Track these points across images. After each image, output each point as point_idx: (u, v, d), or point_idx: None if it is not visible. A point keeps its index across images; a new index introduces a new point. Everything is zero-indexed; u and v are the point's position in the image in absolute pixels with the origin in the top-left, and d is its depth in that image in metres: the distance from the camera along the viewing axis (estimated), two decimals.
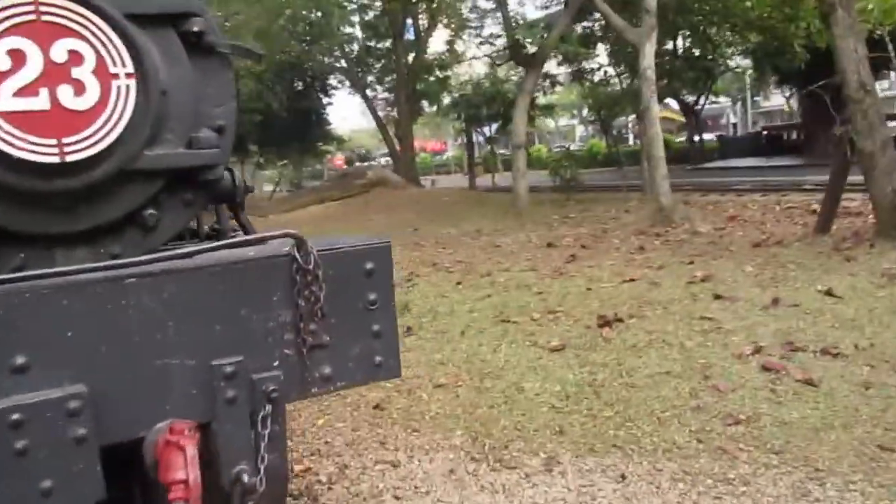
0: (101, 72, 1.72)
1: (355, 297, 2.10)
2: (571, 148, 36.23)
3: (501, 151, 33.55)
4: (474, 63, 28.84)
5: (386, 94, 30.37)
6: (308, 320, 2.01)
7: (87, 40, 1.69)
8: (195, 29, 2.00)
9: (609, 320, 5.59)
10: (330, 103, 30.46)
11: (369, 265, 2.12)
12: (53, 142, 1.68)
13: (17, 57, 1.63)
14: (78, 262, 1.94)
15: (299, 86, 27.39)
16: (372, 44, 28.57)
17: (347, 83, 30.09)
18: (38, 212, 1.85)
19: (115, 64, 1.73)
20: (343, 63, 28.57)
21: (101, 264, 1.80)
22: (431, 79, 28.02)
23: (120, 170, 1.89)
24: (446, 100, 27.00)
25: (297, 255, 1.98)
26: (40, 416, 1.70)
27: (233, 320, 1.93)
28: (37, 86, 1.66)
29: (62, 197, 1.85)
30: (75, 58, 1.69)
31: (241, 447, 1.91)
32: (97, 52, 1.71)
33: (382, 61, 29.33)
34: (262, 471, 1.93)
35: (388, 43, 27.39)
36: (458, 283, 7.78)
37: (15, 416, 1.67)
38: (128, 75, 1.75)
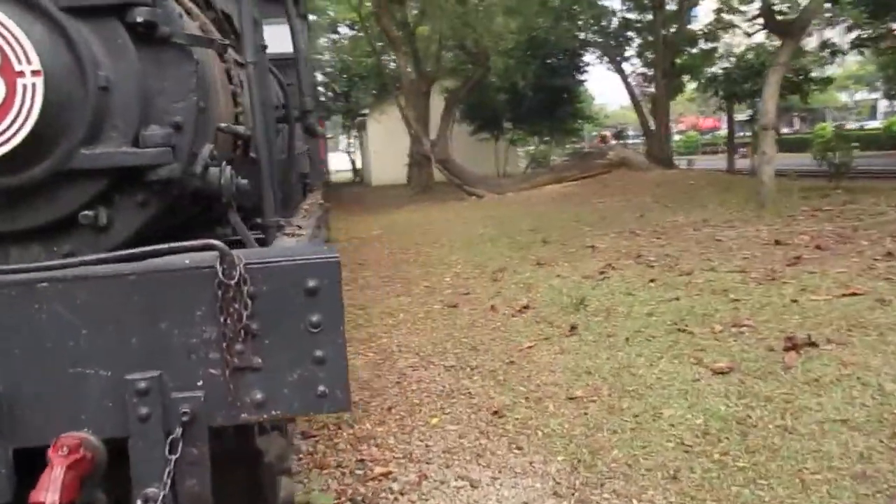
0: (7, 70, 1.66)
1: (294, 317, 1.85)
2: (851, 126, 31.35)
3: None
4: (735, 34, 26.09)
5: (644, 70, 28.84)
6: (233, 340, 1.81)
7: None
8: (140, 19, 1.87)
9: (798, 343, 4.63)
10: (583, 80, 29.76)
11: (312, 283, 1.85)
12: None
13: None
14: (32, 259, 1.94)
15: (552, 62, 27.04)
16: (631, 16, 27.22)
17: (605, 59, 29.12)
18: None
19: (20, 61, 1.66)
20: (599, 38, 27.61)
21: (11, 267, 1.76)
22: (694, 51, 26.01)
23: (56, 169, 1.84)
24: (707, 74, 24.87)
25: (218, 267, 1.78)
26: None
27: (150, 333, 1.80)
28: None
29: (2, 194, 1.85)
30: None
31: (152, 469, 1.78)
32: (2, 49, 1.65)
33: (643, 34, 27.86)
34: (169, 497, 1.78)
35: (648, 15, 25.91)
36: (652, 281, 7.04)
37: None
38: (34, 73, 1.67)
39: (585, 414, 4.16)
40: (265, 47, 3.24)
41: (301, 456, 3.84)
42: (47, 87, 1.70)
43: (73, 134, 1.83)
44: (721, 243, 8.74)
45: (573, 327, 5.85)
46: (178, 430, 1.79)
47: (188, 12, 2.66)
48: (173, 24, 1.95)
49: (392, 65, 28.68)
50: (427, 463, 3.69)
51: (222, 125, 2.34)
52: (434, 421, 4.26)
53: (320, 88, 43.94)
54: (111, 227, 1.97)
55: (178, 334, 1.82)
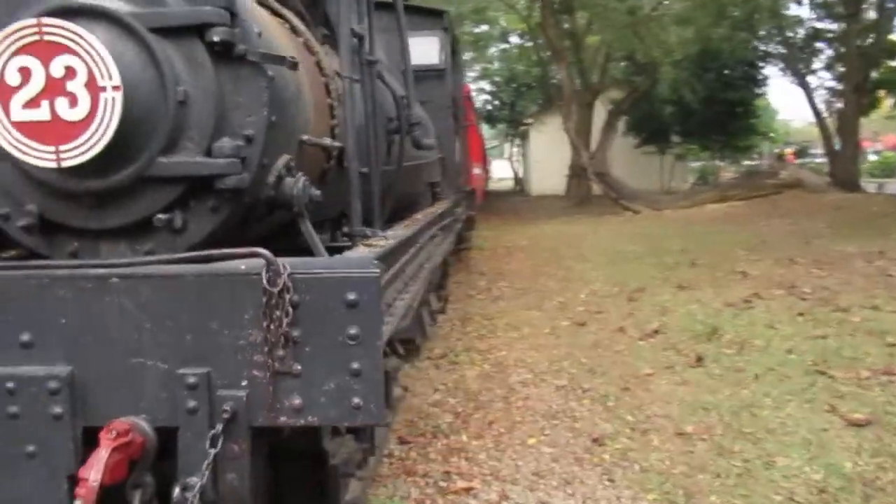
0: (91, 85, 1.84)
1: (333, 328, 1.91)
2: None
3: None
4: None
5: (833, 84, 26.54)
6: (275, 345, 1.89)
7: (80, 56, 1.82)
8: (217, 38, 2.00)
9: None
10: (761, 94, 27.86)
11: (352, 296, 1.90)
12: (52, 149, 1.88)
13: (25, 73, 1.84)
14: (119, 255, 2.14)
15: (727, 74, 25.59)
16: (821, 26, 25.15)
17: (788, 71, 27.13)
18: (79, 209, 2.09)
19: (102, 77, 1.84)
20: (782, 49, 25.76)
21: (90, 262, 1.96)
22: (894, 64, 23.58)
23: (138, 175, 2.02)
24: None
25: (263, 275, 1.87)
26: (28, 389, 1.93)
27: (202, 332, 1.92)
28: (40, 98, 1.86)
29: (91, 197, 2.06)
30: (70, 72, 1.84)
31: (196, 460, 1.91)
32: (88, 66, 1.83)
33: (834, 45, 25.65)
34: (207, 488, 1.89)
35: (840, 24, 23.80)
36: (800, 315, 6.46)
37: (10, 385, 1.93)
38: (114, 88, 1.85)
39: (691, 452, 3.90)
40: (373, 62, 3.34)
41: (392, 461, 3.91)
42: (127, 101, 1.87)
43: (153, 143, 2.00)
44: (892, 279, 7.85)
45: (700, 358, 5.51)
46: (219, 427, 1.89)
47: (294, 30, 2.82)
48: (249, 42, 2.07)
49: (559, 75, 28.52)
50: (512, 483, 3.63)
51: (305, 137, 2.44)
52: (531, 441, 4.18)
53: (487, 97, 44.75)
54: (186, 230, 2.12)
55: (226, 335, 1.93)
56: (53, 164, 1.89)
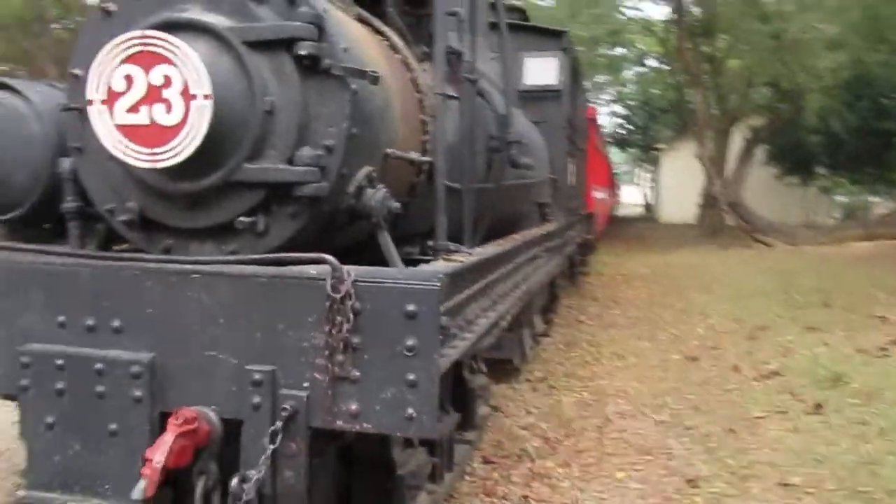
0: (185, 93, 1.98)
1: (392, 338, 1.93)
2: None
3: None
4: None
5: None
6: (335, 350, 1.94)
7: (177, 66, 1.97)
8: (304, 52, 2.10)
9: None
10: None
11: (411, 307, 1.91)
12: (149, 151, 2.03)
13: (129, 80, 2.01)
14: (206, 254, 2.28)
15: (884, 103, 23.67)
16: None
17: None
18: (173, 208, 2.25)
19: (195, 86, 1.97)
20: None
21: (170, 258, 2.10)
22: None
23: (225, 179, 2.14)
24: None
25: (328, 281, 1.92)
26: (114, 372, 2.09)
27: (270, 331, 2.00)
28: (140, 104, 2.01)
29: (185, 198, 2.20)
30: (168, 81, 1.98)
31: (257, 454, 1.98)
32: (183, 76, 1.97)
33: None
34: (264, 482, 1.96)
35: None
36: None
37: (99, 366, 2.10)
38: (205, 96, 1.97)
39: None
40: (473, 80, 3.36)
41: (474, 479, 3.88)
42: (217, 109, 1.99)
43: (240, 150, 2.12)
44: None
45: (819, 405, 5.10)
46: (279, 424, 1.95)
47: (393, 47, 2.90)
48: (335, 57, 2.15)
49: (694, 100, 27.54)
50: None
51: (390, 151, 2.49)
52: (620, 475, 4.02)
53: (620, 120, 43.94)
54: (268, 233, 2.23)
55: (291, 336, 2.00)
56: (150, 165, 2.04)
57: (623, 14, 28.77)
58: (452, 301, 2.51)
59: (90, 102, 2.05)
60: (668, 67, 29.52)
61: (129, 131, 2.03)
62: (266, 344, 2.01)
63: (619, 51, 34.09)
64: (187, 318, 2.07)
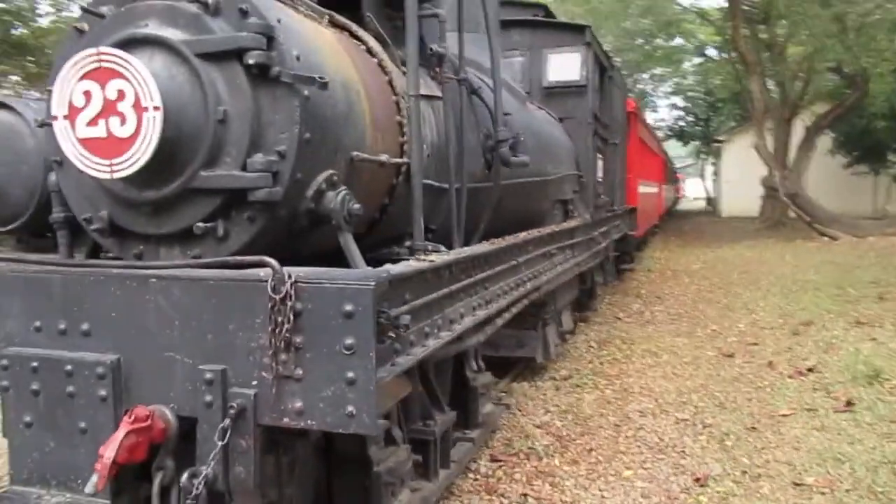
0: (137, 105, 2.08)
1: (331, 337, 1.99)
2: None
3: None
4: None
5: None
6: (278, 349, 2.00)
7: (129, 80, 2.06)
8: (252, 62, 2.17)
9: None
10: None
11: (348, 307, 1.96)
12: (107, 162, 2.13)
13: (87, 96, 2.12)
14: (174, 258, 2.37)
15: None
16: None
17: None
18: (139, 216, 2.35)
19: (146, 98, 2.06)
20: None
21: (129, 263, 2.20)
22: None
23: (183, 187, 2.23)
24: None
25: (269, 282, 1.99)
26: (82, 372, 2.21)
27: (221, 332, 2.09)
28: (98, 118, 2.12)
29: (148, 205, 2.31)
30: (121, 95, 2.08)
31: (208, 451, 2.06)
32: (135, 89, 2.07)
33: None
34: (211, 477, 2.04)
35: None
36: None
37: (68, 367, 2.22)
38: (155, 108, 2.06)
39: None
40: (461, 80, 3.39)
41: (477, 477, 3.90)
42: (168, 119, 2.08)
43: (196, 158, 2.20)
44: None
45: (851, 402, 4.91)
46: (227, 421, 2.03)
47: (370, 51, 2.95)
48: (285, 65, 2.21)
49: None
50: None
51: (354, 154, 2.54)
52: (627, 473, 3.97)
53: (680, 113, 42.94)
54: (228, 238, 2.30)
55: (240, 336, 2.07)
56: (108, 176, 2.14)
57: (679, 4, 28.19)
58: (421, 300, 2.55)
59: (55, 118, 2.17)
60: (727, 56, 28.71)
61: (89, 144, 2.14)
62: (217, 344, 2.09)
63: (678, 41, 33.40)
64: (147, 320, 2.17)
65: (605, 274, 8.67)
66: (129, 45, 2.19)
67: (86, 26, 2.42)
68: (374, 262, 2.52)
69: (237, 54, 2.20)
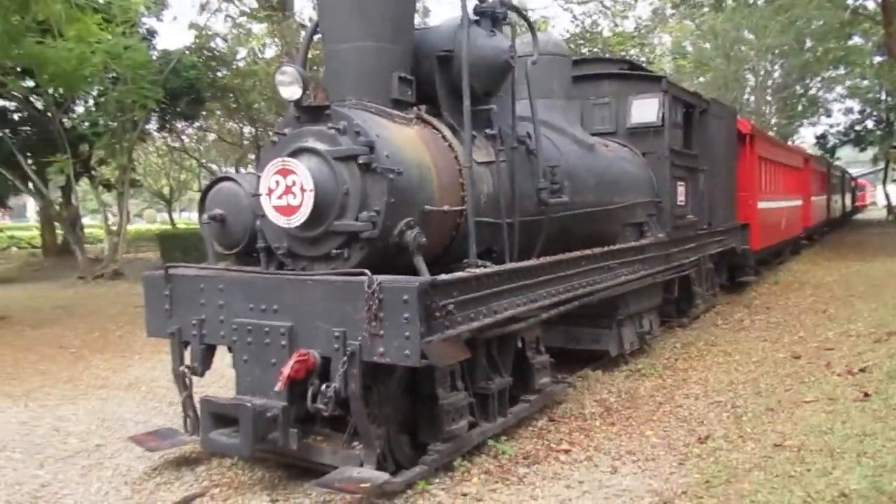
0: (302, 188, 3.90)
1: (397, 313, 3.68)
2: None
3: None
4: None
5: None
6: (371, 320, 3.73)
7: (296, 174, 3.89)
8: (361, 161, 3.93)
9: None
10: None
11: (405, 297, 3.65)
12: (286, 218, 3.98)
13: (276, 183, 3.98)
14: (321, 270, 4.18)
15: None
16: None
17: None
18: (303, 246, 4.19)
19: (305, 184, 3.88)
20: None
21: (298, 272, 4.04)
22: None
23: (326, 229, 4.04)
24: None
25: (365, 283, 3.73)
26: (276, 332, 4.07)
27: (342, 310, 3.86)
28: (282, 195, 3.97)
29: (308, 240, 4.14)
30: (294, 182, 3.92)
31: (335, 374, 3.83)
32: (300, 179, 3.89)
33: None
34: (336, 388, 3.80)
35: None
36: None
37: (266, 329, 4.10)
38: (310, 190, 3.87)
39: (770, 458, 4.66)
40: (520, 142, 5.00)
41: (534, 429, 5.39)
42: (316, 195, 3.88)
43: (332, 214, 4.00)
44: None
45: (867, 394, 5.81)
46: (345, 358, 3.78)
47: (444, 137, 4.66)
48: (380, 161, 3.95)
49: None
50: (604, 453, 4.87)
51: (426, 208, 4.23)
52: (648, 433, 5.28)
53: (857, 116, 40.59)
54: (349, 259, 4.08)
55: (352, 312, 3.81)
56: (286, 225, 4.00)
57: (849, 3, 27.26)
58: (468, 295, 4.17)
59: (260, 194, 4.06)
60: None
61: (278, 208, 4.01)
62: (341, 316, 3.85)
63: (856, 40, 32.03)
64: (306, 304, 3.98)
65: (704, 284, 9.69)
66: (297, 153, 4.04)
67: (276, 139, 4.31)
68: (447, 272, 4.19)
69: (354, 157, 3.98)
